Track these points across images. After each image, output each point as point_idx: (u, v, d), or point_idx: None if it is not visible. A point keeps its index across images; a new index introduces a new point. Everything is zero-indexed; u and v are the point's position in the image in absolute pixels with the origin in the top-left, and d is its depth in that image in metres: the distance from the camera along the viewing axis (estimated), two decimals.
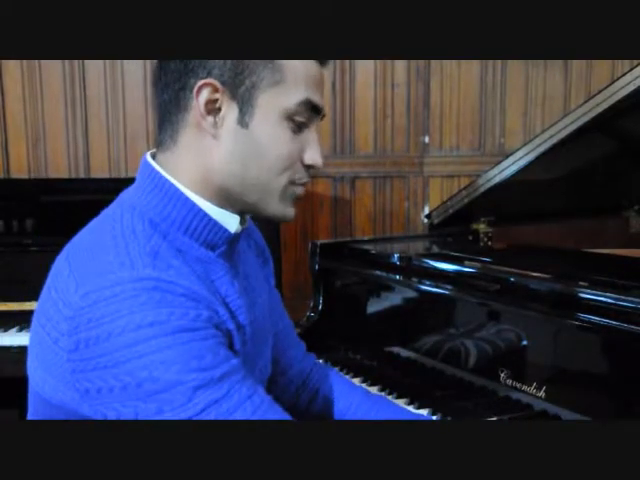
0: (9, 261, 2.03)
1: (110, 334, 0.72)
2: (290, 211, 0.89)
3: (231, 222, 0.87)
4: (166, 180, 0.84)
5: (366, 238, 1.87)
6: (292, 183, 0.87)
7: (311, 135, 0.87)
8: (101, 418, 0.76)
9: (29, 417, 0.88)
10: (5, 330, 1.84)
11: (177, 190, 0.84)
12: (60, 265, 0.82)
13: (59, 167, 2.56)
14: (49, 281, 0.83)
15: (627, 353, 1.03)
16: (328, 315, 1.62)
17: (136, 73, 2.46)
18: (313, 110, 0.86)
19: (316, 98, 0.86)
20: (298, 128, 0.86)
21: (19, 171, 2.56)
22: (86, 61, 2.48)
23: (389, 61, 2.54)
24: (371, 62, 2.54)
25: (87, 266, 0.77)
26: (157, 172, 0.85)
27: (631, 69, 1.25)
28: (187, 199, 0.84)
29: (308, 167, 0.88)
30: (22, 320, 1.83)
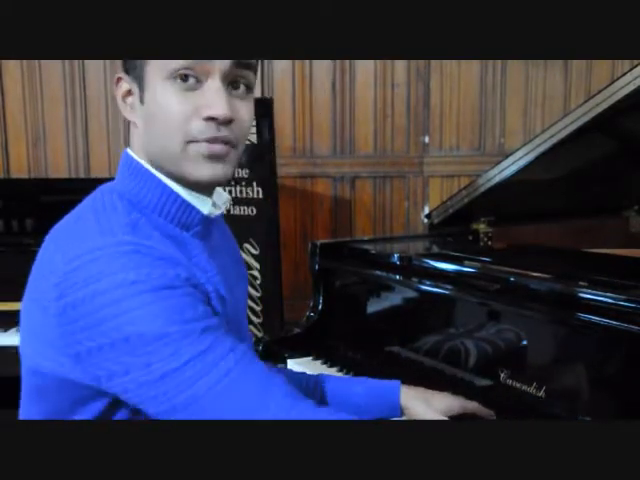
0: (9, 261, 2.03)
1: (94, 294, 0.75)
2: (204, 169, 0.85)
3: (202, 204, 0.90)
4: (141, 165, 0.89)
5: (366, 238, 1.87)
6: (193, 141, 0.84)
7: (207, 88, 0.83)
8: (92, 381, 0.79)
9: (22, 396, 0.91)
10: (5, 330, 1.84)
11: (151, 174, 0.88)
12: (47, 245, 0.86)
13: (59, 167, 2.56)
14: (37, 262, 0.86)
15: (627, 353, 1.03)
16: (328, 315, 1.62)
17: None
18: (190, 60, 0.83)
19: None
20: (190, 86, 0.83)
21: (19, 171, 2.56)
22: (86, 61, 2.48)
23: (389, 61, 2.54)
24: (371, 62, 2.54)
25: (70, 237, 0.82)
26: (132, 158, 0.90)
27: (631, 69, 1.25)
28: (160, 182, 0.88)
29: (209, 120, 0.83)
30: None
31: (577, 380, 1.10)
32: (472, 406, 1.14)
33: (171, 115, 0.83)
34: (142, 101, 0.87)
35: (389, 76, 2.57)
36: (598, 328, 1.04)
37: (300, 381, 1.13)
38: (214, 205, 0.93)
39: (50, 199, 2.15)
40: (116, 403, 0.82)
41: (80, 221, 0.85)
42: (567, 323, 1.11)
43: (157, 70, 0.84)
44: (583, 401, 1.09)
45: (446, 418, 1.08)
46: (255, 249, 2.22)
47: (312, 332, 1.60)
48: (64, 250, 0.80)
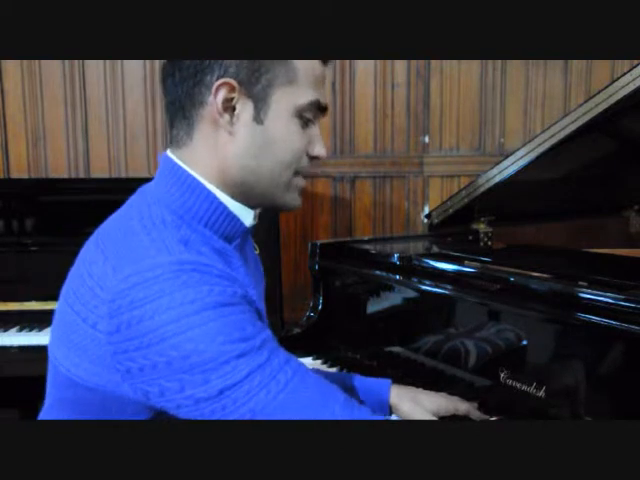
0: (9, 261, 2.03)
1: (154, 313, 0.75)
2: (298, 199, 0.94)
3: (246, 215, 0.92)
4: (188, 174, 0.87)
5: (366, 238, 1.87)
6: (297, 174, 0.92)
7: (316, 129, 0.93)
8: (141, 396, 0.78)
9: (48, 406, 0.89)
10: (5, 330, 1.83)
11: (199, 183, 0.87)
12: (92, 252, 0.85)
13: (59, 167, 2.56)
14: (80, 268, 0.85)
15: (627, 353, 1.03)
16: (328, 315, 1.62)
17: (136, 73, 2.47)
18: (319, 108, 0.92)
19: (323, 98, 0.91)
20: (305, 124, 0.91)
21: (19, 171, 2.56)
22: (86, 61, 2.48)
23: (389, 61, 2.54)
24: (371, 62, 2.54)
25: (122, 252, 0.80)
26: (179, 166, 0.88)
27: (631, 69, 1.24)
28: (209, 192, 0.87)
29: (312, 158, 0.93)
30: (22, 320, 1.82)
31: (577, 380, 1.10)
32: (465, 407, 1.14)
33: (293, 149, 0.89)
34: (259, 121, 0.87)
35: (389, 76, 2.57)
36: (598, 328, 1.04)
37: None
38: (254, 217, 0.94)
39: (50, 199, 2.14)
40: (159, 416, 0.82)
41: (129, 234, 0.82)
42: (567, 323, 1.11)
43: (289, 99, 0.87)
44: (583, 401, 1.09)
45: (435, 418, 1.08)
46: (255, 249, 2.21)
47: (312, 332, 1.60)
48: (116, 265, 0.79)
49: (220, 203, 0.88)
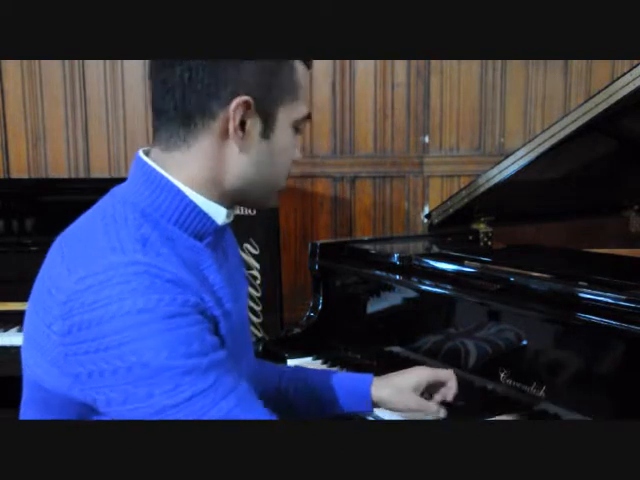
0: (9, 261, 2.03)
1: (101, 319, 0.74)
2: (274, 201, 0.98)
3: (219, 214, 0.91)
4: (157, 173, 0.87)
5: (366, 238, 1.87)
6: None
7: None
8: (90, 402, 0.78)
9: (23, 403, 0.91)
10: (5, 330, 1.84)
11: (168, 182, 0.87)
12: (53, 255, 0.85)
13: (59, 167, 2.56)
14: (43, 270, 0.86)
15: (627, 353, 1.03)
16: (328, 315, 1.62)
17: (136, 73, 2.46)
18: (307, 117, 0.95)
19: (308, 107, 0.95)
20: (296, 133, 0.94)
21: (19, 171, 2.56)
22: (86, 61, 2.48)
23: (389, 61, 2.54)
24: (371, 62, 2.54)
25: (79, 252, 0.80)
26: (149, 166, 0.88)
27: (631, 69, 1.25)
28: (178, 190, 0.87)
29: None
30: (22, 320, 1.81)
31: (577, 380, 1.10)
32: (444, 374, 1.14)
33: (291, 158, 0.94)
34: (266, 137, 0.88)
35: (389, 76, 2.57)
36: (598, 328, 1.04)
37: (277, 382, 1.15)
38: (227, 216, 0.93)
39: (50, 199, 2.15)
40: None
41: (89, 234, 0.83)
42: (567, 323, 1.11)
43: (291, 114, 0.90)
44: (583, 401, 1.09)
45: (417, 395, 1.11)
46: (255, 249, 2.21)
47: (312, 332, 1.60)
48: (71, 266, 0.79)
49: (190, 201, 0.87)
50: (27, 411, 0.90)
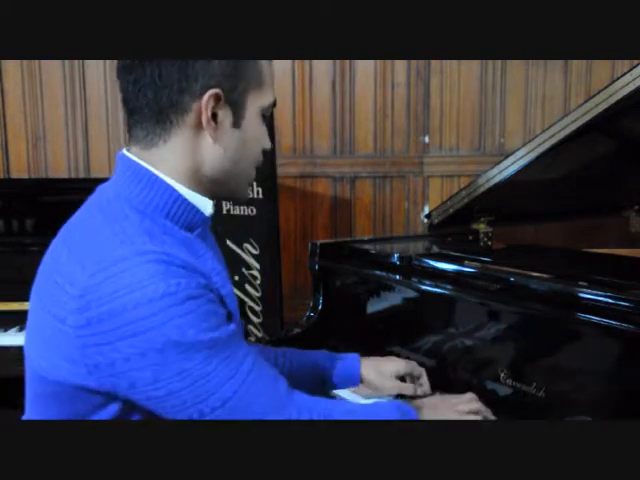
0: (9, 261, 2.03)
1: (125, 307, 0.78)
2: (248, 191, 1.03)
3: (205, 205, 0.94)
4: (146, 169, 0.89)
5: (366, 238, 1.87)
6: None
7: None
8: (108, 389, 0.81)
9: (28, 401, 0.92)
10: (5, 330, 1.84)
11: (157, 177, 0.89)
12: (59, 251, 0.87)
13: (59, 167, 2.56)
14: (49, 267, 0.88)
15: (627, 353, 1.03)
16: (328, 315, 1.62)
17: None
18: (273, 104, 0.98)
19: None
20: (264, 121, 0.96)
21: (19, 171, 2.56)
22: (86, 61, 2.48)
23: (389, 61, 2.54)
24: (371, 62, 2.54)
25: (88, 247, 0.83)
26: (137, 163, 0.90)
27: (631, 69, 1.24)
28: (167, 185, 0.89)
29: (264, 151, 0.99)
30: (22, 320, 1.80)
31: (577, 380, 1.10)
32: (417, 371, 1.25)
33: (261, 145, 0.96)
34: (237, 126, 0.91)
35: (389, 76, 2.57)
36: (598, 328, 1.04)
37: (274, 359, 1.21)
38: (212, 206, 0.96)
39: (50, 199, 2.15)
40: (132, 405, 0.84)
41: (93, 229, 0.85)
42: (567, 323, 1.11)
43: (258, 102, 0.92)
44: (583, 401, 1.09)
45: (395, 379, 1.22)
46: (255, 249, 2.22)
47: (312, 332, 1.60)
48: (83, 261, 0.81)
49: (179, 195, 0.90)
50: (33, 407, 0.91)
